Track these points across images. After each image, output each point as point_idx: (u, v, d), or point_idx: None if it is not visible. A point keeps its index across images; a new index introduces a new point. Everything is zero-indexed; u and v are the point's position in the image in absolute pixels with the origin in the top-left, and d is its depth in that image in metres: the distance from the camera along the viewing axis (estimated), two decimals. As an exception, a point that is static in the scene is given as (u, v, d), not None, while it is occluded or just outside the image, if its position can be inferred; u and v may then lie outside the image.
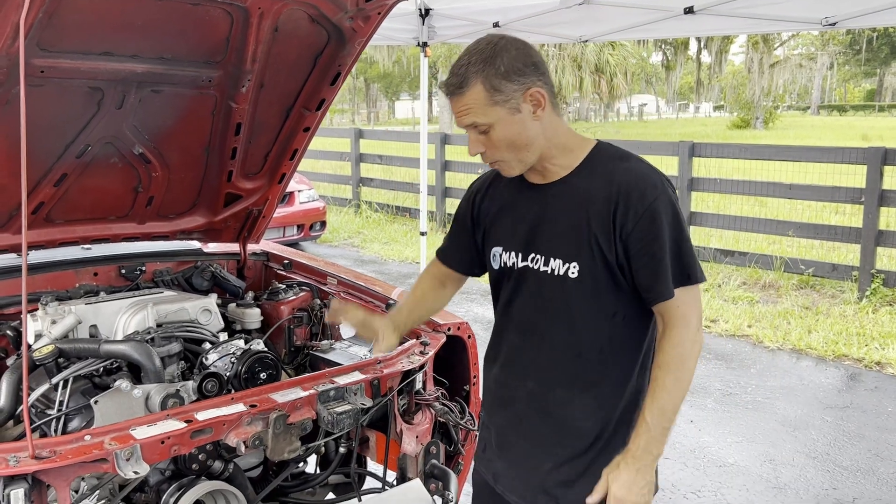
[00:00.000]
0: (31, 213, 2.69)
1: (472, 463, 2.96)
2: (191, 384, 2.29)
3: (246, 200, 3.15)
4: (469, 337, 2.73)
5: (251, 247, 3.41)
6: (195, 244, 3.35)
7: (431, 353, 2.51)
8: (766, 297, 7.53)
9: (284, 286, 3.09)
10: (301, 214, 9.35)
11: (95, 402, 2.13)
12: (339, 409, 2.12)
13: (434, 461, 2.44)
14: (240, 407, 2.03)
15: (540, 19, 4.90)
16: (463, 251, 2.03)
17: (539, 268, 1.78)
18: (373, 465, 2.80)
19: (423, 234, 4.81)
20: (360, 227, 11.41)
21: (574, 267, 1.71)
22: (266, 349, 2.48)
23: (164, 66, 2.45)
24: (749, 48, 34.28)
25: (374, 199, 12.40)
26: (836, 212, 10.42)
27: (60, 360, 2.33)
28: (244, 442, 1.99)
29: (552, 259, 1.75)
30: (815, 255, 8.22)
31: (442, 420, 2.59)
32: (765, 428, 4.61)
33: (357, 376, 2.28)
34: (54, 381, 2.24)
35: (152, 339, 2.43)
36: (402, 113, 62.93)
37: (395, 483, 2.62)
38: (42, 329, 2.46)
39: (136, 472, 1.80)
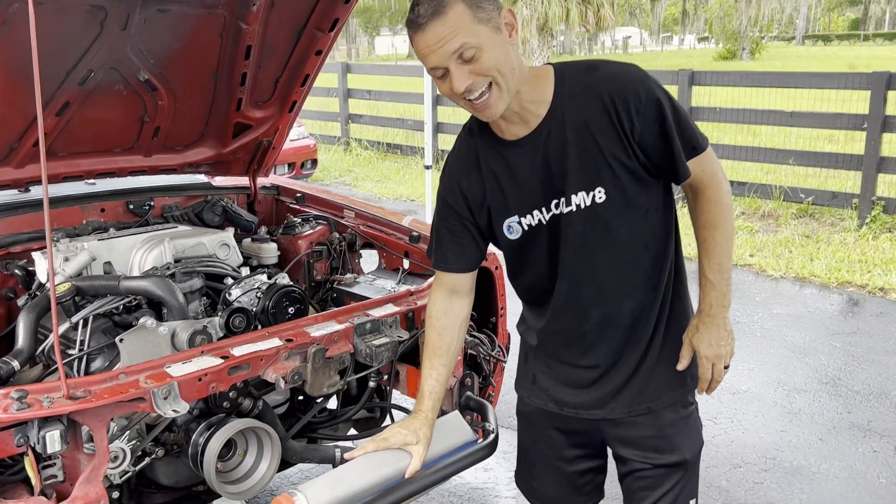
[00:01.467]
0: (33, 146, 2.53)
1: (496, 395, 2.91)
2: (217, 320, 2.20)
3: (255, 130, 3.01)
4: (497, 268, 2.64)
5: (261, 180, 3.27)
6: (202, 178, 3.22)
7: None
8: (766, 227, 7.51)
9: (300, 220, 2.98)
10: (291, 152, 9.12)
11: (121, 340, 2.03)
12: (376, 342, 2.05)
13: (469, 393, 2.38)
14: (276, 342, 1.94)
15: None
16: (468, 247, 1.83)
17: (563, 211, 1.68)
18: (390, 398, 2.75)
19: (427, 167, 4.67)
20: (351, 164, 11.21)
21: (599, 191, 1.65)
22: (293, 283, 2.39)
23: (170, -19, 2.28)
24: (736, -24, 33.64)
25: (363, 136, 12.15)
26: (829, 140, 10.35)
27: (77, 298, 2.23)
28: (283, 377, 1.91)
29: (574, 196, 1.66)
30: (812, 184, 8.19)
31: (472, 352, 2.53)
32: (775, 355, 4.62)
33: (391, 308, 2.20)
34: (74, 319, 2.14)
35: (173, 274, 2.32)
36: (382, 49, 61.66)
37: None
38: (55, 267, 2.34)
39: (175, 411, 1.72)
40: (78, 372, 2.12)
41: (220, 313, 2.36)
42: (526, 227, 1.74)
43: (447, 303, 1.89)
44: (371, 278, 2.65)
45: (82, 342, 2.15)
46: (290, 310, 2.31)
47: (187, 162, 2.98)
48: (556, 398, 1.92)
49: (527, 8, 23.98)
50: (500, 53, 1.54)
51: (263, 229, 3.04)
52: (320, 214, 3.02)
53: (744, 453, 3.51)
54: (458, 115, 11.06)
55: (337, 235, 2.90)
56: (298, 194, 3.19)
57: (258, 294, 2.33)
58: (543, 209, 1.71)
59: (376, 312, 2.16)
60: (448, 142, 11.05)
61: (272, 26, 2.62)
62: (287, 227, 2.95)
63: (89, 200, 2.78)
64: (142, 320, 2.09)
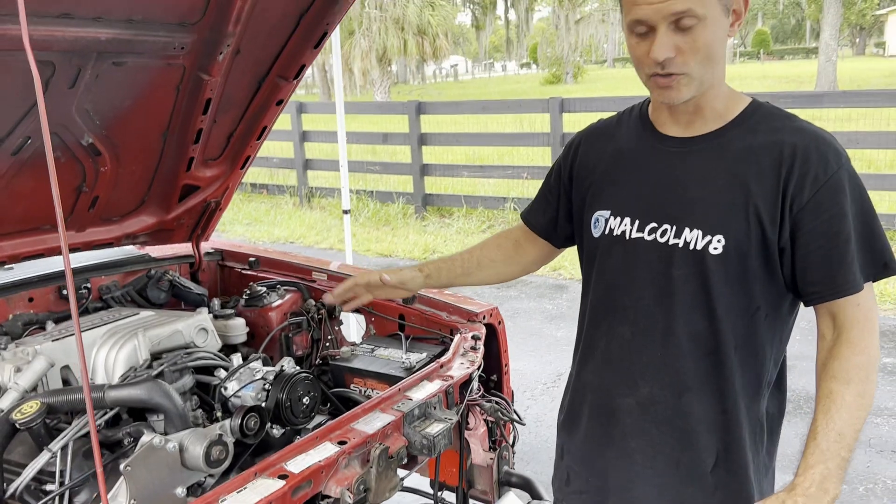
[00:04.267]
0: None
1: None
2: (228, 424, 1.85)
3: (203, 192, 2.65)
4: (500, 323, 2.47)
5: (202, 246, 2.90)
6: (133, 248, 2.79)
7: (482, 348, 2.23)
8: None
9: (265, 289, 2.64)
10: (152, 201, 8.42)
11: (127, 467, 1.65)
12: (433, 431, 1.80)
13: (507, 468, 2.18)
14: (330, 447, 1.65)
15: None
16: (550, 208, 1.71)
17: (668, 240, 1.41)
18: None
19: (346, 212, 4.36)
20: (213, 208, 10.53)
21: (718, 241, 1.36)
22: (302, 368, 2.09)
23: (131, 30, 1.93)
24: (555, 5, 35.65)
25: (220, 177, 11.48)
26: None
27: (47, 418, 1.80)
28: (349, 490, 1.62)
29: (688, 230, 1.38)
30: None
31: (491, 419, 2.33)
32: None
33: (431, 387, 1.96)
34: (55, 447, 1.72)
35: (160, 374, 1.95)
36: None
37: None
38: (5, 380, 1.90)
39: (247, 557, 1.40)
40: (61, 512, 1.70)
41: (218, 413, 2.02)
42: (607, 230, 1.51)
43: (507, 244, 1.84)
44: (368, 348, 2.38)
45: (61, 472, 1.74)
46: (305, 400, 2.01)
47: (125, 234, 2.56)
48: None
49: (365, 39, 24.08)
50: (716, 38, 1.31)
51: (216, 302, 2.66)
52: (289, 280, 2.70)
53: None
54: (325, 152, 10.72)
55: (312, 303, 2.60)
56: (252, 258, 2.84)
57: (265, 386, 2.00)
58: (636, 223, 1.46)
59: (417, 394, 1.91)
60: (315, 178, 10.69)
61: (233, 76, 2.31)
62: (252, 298, 2.60)
63: (14, 290, 2.30)
64: (147, 438, 1.70)
